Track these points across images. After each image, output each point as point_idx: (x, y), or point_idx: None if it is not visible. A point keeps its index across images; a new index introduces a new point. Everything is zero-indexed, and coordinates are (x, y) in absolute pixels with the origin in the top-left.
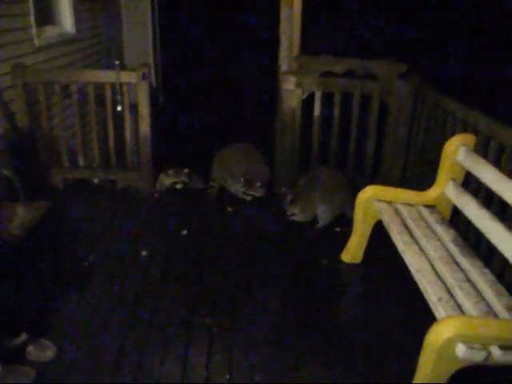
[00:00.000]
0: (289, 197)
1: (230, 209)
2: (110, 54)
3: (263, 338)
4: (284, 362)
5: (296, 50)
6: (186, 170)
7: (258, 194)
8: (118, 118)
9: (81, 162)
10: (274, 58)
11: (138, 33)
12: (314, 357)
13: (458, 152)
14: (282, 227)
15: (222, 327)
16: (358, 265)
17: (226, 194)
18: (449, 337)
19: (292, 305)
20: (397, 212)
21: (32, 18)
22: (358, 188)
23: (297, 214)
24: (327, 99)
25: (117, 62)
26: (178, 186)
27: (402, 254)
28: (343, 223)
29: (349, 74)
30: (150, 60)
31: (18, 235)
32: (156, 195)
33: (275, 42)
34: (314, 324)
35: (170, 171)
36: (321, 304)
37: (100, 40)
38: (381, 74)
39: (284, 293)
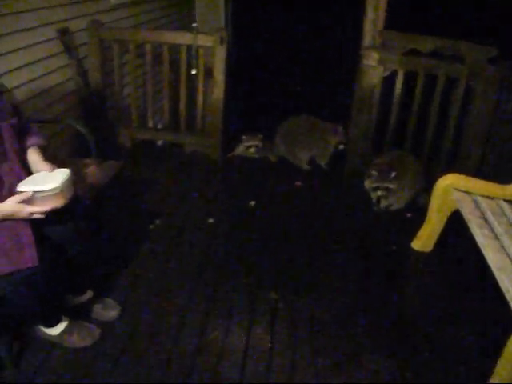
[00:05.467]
0: (393, 173)
1: (298, 183)
2: (180, 16)
3: (327, 320)
4: (346, 348)
5: (380, 24)
6: (260, 136)
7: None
8: (191, 82)
9: (150, 122)
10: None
11: None
12: (376, 345)
13: None
14: (352, 206)
15: (287, 304)
16: (428, 254)
17: (293, 167)
18: None
19: (357, 288)
20: (476, 204)
21: None
22: (432, 175)
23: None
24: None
25: (194, 25)
26: (252, 150)
27: (482, 249)
28: (413, 209)
29: (435, 53)
30: (222, 25)
31: (89, 195)
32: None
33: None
34: (379, 310)
35: (244, 136)
36: (387, 290)
37: (171, 2)
38: (469, 56)
39: (350, 275)
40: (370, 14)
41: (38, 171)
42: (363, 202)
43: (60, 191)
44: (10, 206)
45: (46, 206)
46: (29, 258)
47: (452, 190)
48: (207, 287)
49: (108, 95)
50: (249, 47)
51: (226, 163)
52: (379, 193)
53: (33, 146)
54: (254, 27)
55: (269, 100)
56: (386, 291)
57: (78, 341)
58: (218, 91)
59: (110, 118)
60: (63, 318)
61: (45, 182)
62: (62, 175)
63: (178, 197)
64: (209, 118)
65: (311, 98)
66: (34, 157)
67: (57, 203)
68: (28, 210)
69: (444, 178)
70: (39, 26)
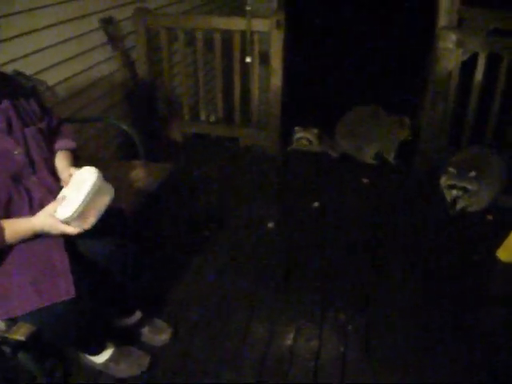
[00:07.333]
0: (473, 173)
1: (365, 180)
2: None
3: (401, 345)
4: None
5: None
6: (315, 130)
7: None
8: (246, 70)
9: (202, 115)
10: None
11: None
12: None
13: None
14: (426, 207)
15: (358, 327)
16: None
17: (357, 163)
18: None
19: (435, 305)
20: None
21: None
22: None
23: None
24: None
25: (248, 8)
26: (304, 142)
27: None
28: (495, 211)
29: None
30: (274, 5)
31: (137, 202)
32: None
33: None
34: (457, 331)
35: (297, 127)
36: (469, 308)
37: None
38: None
39: (426, 293)
40: None
41: (64, 179)
42: (438, 202)
43: (89, 203)
44: (42, 220)
45: (80, 227)
46: (63, 289)
47: None
48: (267, 305)
49: (157, 87)
50: (304, 30)
51: (284, 158)
52: (455, 192)
53: (60, 149)
54: (310, 7)
55: (325, 91)
56: (467, 308)
57: (124, 369)
58: (276, 80)
59: (160, 111)
60: (108, 344)
61: (72, 197)
62: (87, 183)
63: (234, 197)
64: (266, 109)
65: (374, 87)
66: (60, 163)
67: (89, 221)
68: (61, 228)
69: None
70: (81, 16)
